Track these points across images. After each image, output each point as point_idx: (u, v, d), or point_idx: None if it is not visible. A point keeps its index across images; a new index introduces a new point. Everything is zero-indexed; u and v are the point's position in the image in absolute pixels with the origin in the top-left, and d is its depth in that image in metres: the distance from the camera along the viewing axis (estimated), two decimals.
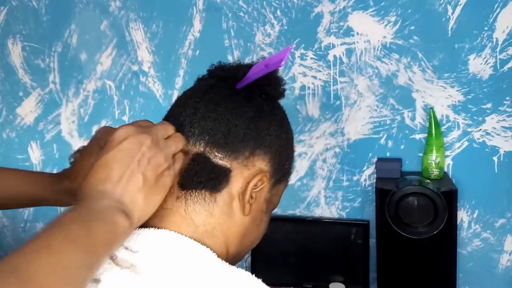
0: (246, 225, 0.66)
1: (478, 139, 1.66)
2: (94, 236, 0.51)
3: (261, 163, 0.65)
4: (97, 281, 0.60)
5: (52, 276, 0.46)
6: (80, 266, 0.50)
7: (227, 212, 0.64)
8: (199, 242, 0.62)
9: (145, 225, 0.62)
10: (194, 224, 0.63)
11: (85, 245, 0.50)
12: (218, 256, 0.62)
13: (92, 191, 0.55)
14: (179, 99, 0.69)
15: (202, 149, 0.63)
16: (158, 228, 0.62)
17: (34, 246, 0.48)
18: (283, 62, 0.62)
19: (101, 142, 0.68)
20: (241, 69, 0.68)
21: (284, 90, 0.70)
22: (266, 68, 0.64)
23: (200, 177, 0.63)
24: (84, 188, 0.55)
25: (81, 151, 0.72)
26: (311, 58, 1.75)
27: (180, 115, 0.65)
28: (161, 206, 0.63)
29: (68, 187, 0.73)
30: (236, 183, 0.64)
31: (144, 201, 0.58)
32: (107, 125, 1.96)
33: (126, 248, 0.60)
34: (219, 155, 0.63)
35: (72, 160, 0.73)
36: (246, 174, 0.64)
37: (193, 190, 0.63)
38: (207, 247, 0.62)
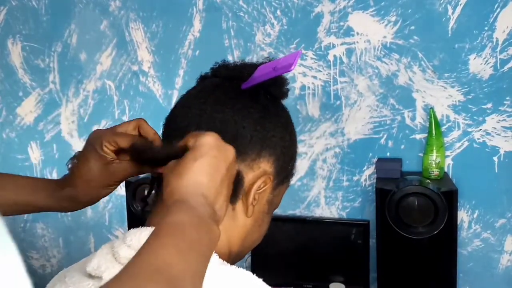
0: (249, 226, 0.66)
1: (478, 139, 1.66)
2: (206, 245, 0.52)
3: (265, 165, 0.65)
4: (99, 278, 0.60)
5: (190, 279, 0.47)
6: (203, 272, 0.51)
7: (231, 214, 0.64)
8: None
9: (149, 224, 0.62)
10: None
11: (203, 255, 0.51)
12: (220, 257, 0.61)
13: (194, 195, 0.55)
14: (183, 99, 0.68)
15: None
16: None
17: (163, 241, 0.48)
18: (292, 67, 0.61)
19: (97, 147, 0.67)
20: (246, 68, 0.67)
21: (288, 90, 0.70)
22: (274, 71, 0.64)
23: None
24: (183, 188, 0.55)
25: (78, 156, 0.71)
26: (311, 58, 1.75)
27: (185, 116, 0.64)
28: None
29: (69, 194, 0.72)
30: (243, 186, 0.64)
31: (225, 208, 0.59)
32: (107, 125, 1.97)
33: (129, 247, 0.60)
34: None
35: (70, 166, 0.72)
36: (251, 176, 0.64)
37: None
38: None
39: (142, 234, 0.61)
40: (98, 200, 0.74)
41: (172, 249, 0.48)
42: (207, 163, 0.56)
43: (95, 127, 1.98)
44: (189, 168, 0.56)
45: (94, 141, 0.68)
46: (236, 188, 0.63)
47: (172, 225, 0.51)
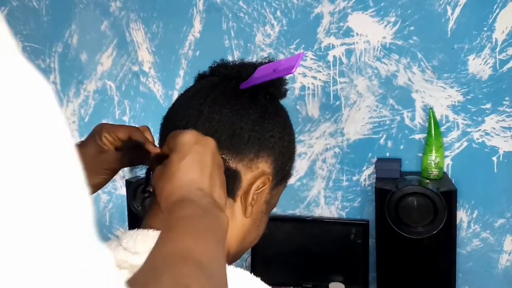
0: (247, 226, 0.66)
1: (478, 139, 1.67)
2: (216, 231, 0.52)
3: (264, 165, 0.65)
4: None
5: (214, 262, 0.48)
6: (222, 254, 0.51)
7: (229, 214, 0.64)
8: None
9: (145, 226, 0.62)
10: None
11: (217, 239, 0.51)
12: None
13: (191, 192, 0.55)
14: (181, 98, 0.68)
15: None
16: (158, 230, 0.62)
17: (175, 251, 0.48)
18: (294, 70, 0.61)
19: (97, 137, 0.69)
20: (245, 68, 0.67)
21: (287, 90, 0.70)
22: (274, 73, 0.63)
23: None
24: (178, 190, 0.55)
25: (79, 145, 0.73)
26: (311, 59, 1.76)
27: (184, 115, 0.64)
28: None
29: None
30: (242, 185, 0.64)
31: (224, 196, 0.59)
32: None
33: (125, 249, 0.60)
34: (225, 157, 0.63)
35: None
36: (250, 176, 0.64)
37: None
38: None
39: (138, 237, 0.60)
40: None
41: (188, 238, 0.48)
42: (193, 160, 0.56)
43: None
44: (177, 170, 0.56)
45: (96, 131, 0.70)
46: (233, 185, 0.63)
47: (179, 219, 0.51)
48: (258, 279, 0.61)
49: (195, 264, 0.45)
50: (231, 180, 0.63)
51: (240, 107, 0.64)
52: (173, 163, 0.57)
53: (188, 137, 0.58)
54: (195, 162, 0.56)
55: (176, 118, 0.65)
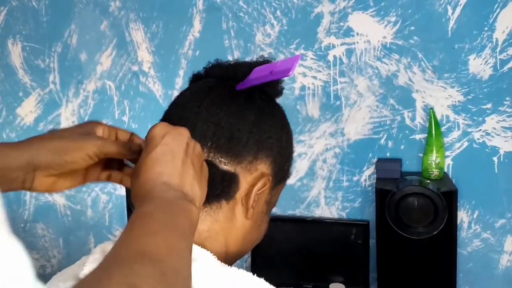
0: (248, 227, 0.66)
1: (478, 139, 1.66)
2: (182, 224, 0.51)
3: (263, 167, 0.64)
4: None
5: (174, 256, 0.46)
6: (186, 248, 0.49)
7: (230, 217, 0.64)
8: (199, 246, 0.61)
9: None
10: (198, 231, 0.62)
11: (180, 232, 0.50)
12: (218, 259, 0.61)
13: (155, 186, 0.54)
14: (177, 101, 0.67)
15: (205, 154, 0.62)
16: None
17: (138, 235, 0.47)
18: (291, 72, 0.60)
19: (81, 129, 0.63)
20: (240, 69, 0.67)
21: (283, 88, 0.69)
22: (271, 75, 0.63)
23: (216, 189, 0.62)
24: (143, 185, 0.54)
25: (70, 137, 0.65)
26: (311, 59, 1.75)
27: (180, 118, 0.63)
28: None
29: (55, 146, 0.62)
30: (241, 188, 0.63)
31: (200, 188, 0.57)
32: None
33: None
34: (224, 160, 0.62)
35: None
36: (249, 178, 0.63)
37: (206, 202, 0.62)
38: (207, 250, 0.61)
39: None
40: (53, 188, 0.65)
41: (145, 235, 0.47)
42: (161, 152, 0.55)
43: None
44: (145, 164, 0.55)
45: (82, 125, 0.64)
46: (231, 188, 0.62)
47: (139, 216, 0.50)
48: (262, 279, 0.61)
49: (150, 261, 0.43)
50: (230, 183, 0.62)
51: (236, 109, 0.63)
52: (142, 158, 0.56)
53: (157, 129, 0.57)
54: (164, 154, 0.56)
55: (173, 122, 0.63)
